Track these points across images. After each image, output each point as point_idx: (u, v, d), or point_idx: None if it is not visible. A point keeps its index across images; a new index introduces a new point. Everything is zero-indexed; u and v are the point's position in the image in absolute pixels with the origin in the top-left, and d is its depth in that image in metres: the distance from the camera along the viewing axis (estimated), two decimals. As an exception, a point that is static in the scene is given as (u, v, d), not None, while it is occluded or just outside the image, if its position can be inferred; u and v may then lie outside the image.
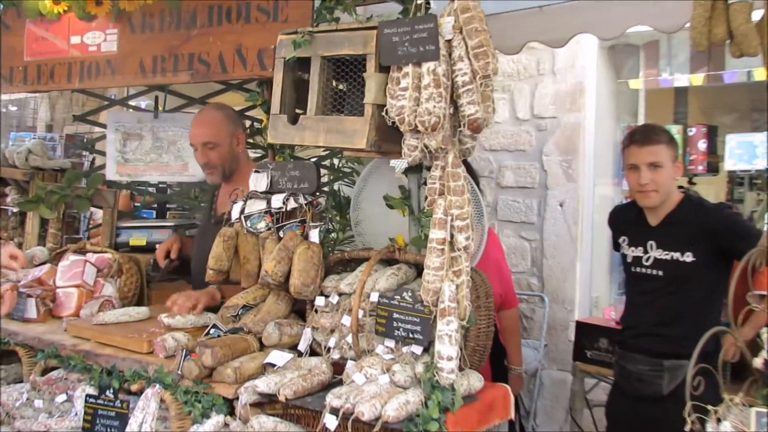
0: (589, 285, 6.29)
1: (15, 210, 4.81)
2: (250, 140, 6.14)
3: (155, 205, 6.09)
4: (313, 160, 5.17)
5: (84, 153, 7.51)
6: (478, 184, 3.94)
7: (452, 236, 2.55)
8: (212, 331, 3.06)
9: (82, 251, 4.16)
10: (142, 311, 3.55)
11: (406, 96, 2.54)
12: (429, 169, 2.73)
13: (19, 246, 4.61)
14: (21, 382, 3.45)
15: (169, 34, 3.77)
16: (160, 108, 5.17)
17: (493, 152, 6.58)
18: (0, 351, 3.53)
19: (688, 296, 3.60)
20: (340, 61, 2.89)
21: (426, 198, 2.68)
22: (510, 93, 6.48)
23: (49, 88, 4.38)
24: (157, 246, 4.12)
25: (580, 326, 5.16)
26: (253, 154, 6.56)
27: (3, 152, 4.85)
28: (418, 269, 2.92)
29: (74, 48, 4.12)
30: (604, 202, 6.21)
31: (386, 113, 2.63)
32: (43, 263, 4.21)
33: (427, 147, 2.57)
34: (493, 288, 2.96)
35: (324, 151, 5.65)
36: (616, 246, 3.99)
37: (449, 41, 2.54)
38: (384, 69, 2.68)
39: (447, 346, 2.48)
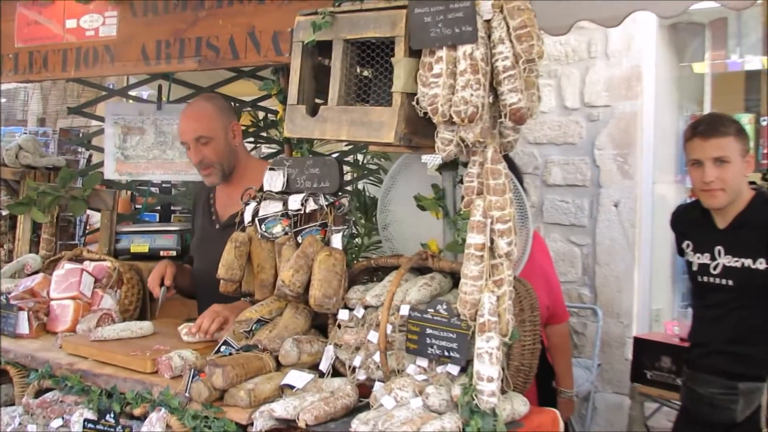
0: (648, 296, 6.25)
1: (4, 213, 4.87)
2: (264, 134, 6.20)
3: (158, 208, 6.13)
4: (335, 155, 5.18)
5: (80, 149, 7.60)
6: (521, 182, 3.92)
7: (492, 241, 2.55)
8: (223, 348, 3.07)
9: (78, 259, 4.20)
10: (146, 326, 3.58)
11: (440, 83, 2.54)
12: (466, 165, 2.73)
13: (9, 253, 4.67)
14: (12, 404, 3.49)
15: (174, 17, 3.80)
16: (164, 99, 5.21)
17: (538, 146, 6.56)
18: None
19: (764, 309, 3.56)
20: (366, 44, 2.90)
21: (462, 198, 2.68)
22: (557, 79, 6.46)
23: (42, 77, 4.42)
24: (151, 272, 3.99)
25: (639, 343, 5.13)
26: (267, 149, 6.61)
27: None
28: (454, 279, 2.92)
29: (70, 33, 4.17)
30: (664, 202, 6.17)
31: (417, 103, 2.63)
32: (36, 272, 4.26)
33: (463, 141, 2.57)
34: (539, 300, 2.95)
35: (346, 145, 5.67)
36: (680, 251, 3.96)
37: (488, 21, 2.54)
38: (415, 53, 2.67)
39: (487, 366, 2.47)
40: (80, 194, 4.49)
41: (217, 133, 3.84)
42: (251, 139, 6.49)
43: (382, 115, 2.71)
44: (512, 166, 3.91)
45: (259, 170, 3.75)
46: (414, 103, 2.64)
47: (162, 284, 3.81)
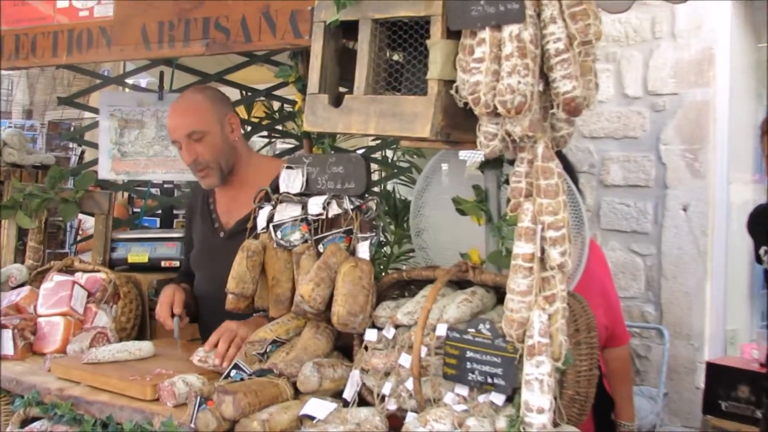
0: (722, 314, 6.20)
1: (-15, 217, 4.92)
2: (280, 127, 6.22)
3: (159, 212, 6.17)
4: (361, 152, 5.20)
5: (71, 145, 7.67)
6: (576, 182, 3.91)
7: (543, 251, 2.53)
8: (233, 373, 3.07)
9: (69, 270, 4.23)
10: (145, 347, 3.59)
11: (482, 69, 2.53)
12: (512, 163, 2.72)
13: (-8, 263, 4.72)
14: (-6, 435, 3.53)
15: (178, -6, 3.83)
16: (166, 87, 5.24)
17: (595, 140, 6.54)
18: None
19: None
20: (397, 25, 2.89)
21: (508, 201, 2.67)
22: (616, 63, 6.43)
23: (30, 63, 4.46)
24: (156, 307, 3.92)
25: (712, 369, 5.09)
26: (283, 144, 6.64)
27: (-29, 145, 4.96)
28: (499, 294, 2.91)
29: (61, 13, 4.21)
30: (741, 205, 6.12)
31: (456, 92, 2.62)
32: (21, 285, 4.29)
33: (509, 135, 2.56)
34: (596, 319, 2.93)
35: (374, 140, 5.68)
36: (758, 258, 3.93)
37: (538, -3, 2.54)
38: (453, 35, 2.67)
39: (537, 395, 2.46)
40: (72, 196, 4.51)
41: (212, 128, 3.82)
42: (264, 133, 6.53)
43: (416, 106, 2.71)
44: (566, 164, 3.88)
45: (264, 168, 3.76)
46: (452, 91, 2.63)
47: (173, 314, 3.79)
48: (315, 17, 3.04)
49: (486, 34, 2.54)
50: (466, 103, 2.60)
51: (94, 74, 5.87)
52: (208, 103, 3.85)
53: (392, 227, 5.48)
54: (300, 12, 3.43)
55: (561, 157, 2.79)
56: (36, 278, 4.34)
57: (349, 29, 2.98)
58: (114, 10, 4.05)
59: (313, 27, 3.05)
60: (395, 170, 5.89)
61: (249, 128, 5.88)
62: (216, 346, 3.39)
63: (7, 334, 3.76)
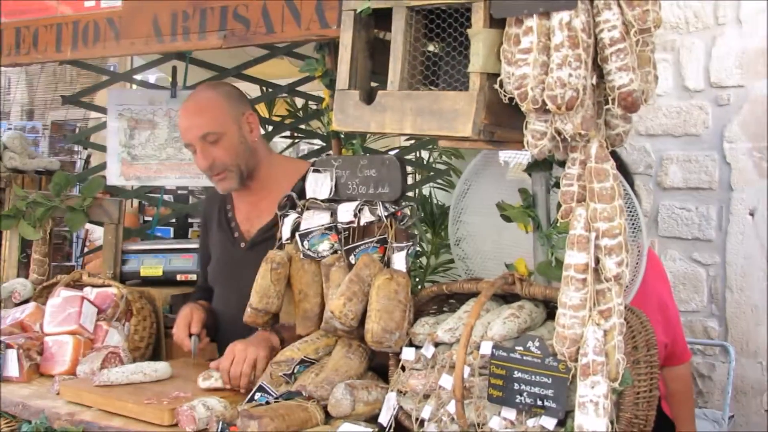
0: (794, 329, 6.16)
1: (-13, 228, 4.97)
2: (305, 126, 6.24)
3: (173, 220, 6.20)
4: (394, 153, 5.20)
5: (76, 148, 7.72)
6: (631, 185, 3.90)
7: (598, 261, 2.54)
8: (258, 395, 3.09)
9: (77, 284, 4.25)
10: (161, 368, 3.61)
11: (530, 61, 2.54)
12: (562, 164, 2.72)
13: (-7, 277, 4.76)
14: (-1, 464, 3.56)
15: (193, -19, 3.86)
16: (179, 83, 5.27)
17: (652, 138, 6.50)
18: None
19: None
20: (434, 13, 2.90)
21: (559, 206, 2.67)
22: (675, 52, 6.40)
23: (32, 59, 4.50)
24: (173, 323, 3.97)
25: (784, 389, 5.05)
26: (307, 145, 6.66)
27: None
28: (548, 309, 2.91)
29: (65, 4, 4.24)
30: (815, 209, 6.07)
31: (501, 86, 2.63)
32: (26, 301, 4.32)
33: (560, 133, 2.56)
34: (655, 335, 2.93)
35: (407, 139, 5.68)
36: None
37: (590, -19, 2.54)
38: (497, 23, 2.67)
39: (592, 418, 2.46)
40: (79, 204, 4.54)
41: (228, 128, 3.83)
42: (287, 133, 6.53)
43: (456, 102, 2.72)
44: (620, 164, 3.87)
45: (287, 170, 3.77)
46: (496, 86, 2.64)
47: (191, 334, 3.81)
48: (344, 5, 3.05)
49: (533, 22, 2.55)
50: (511, 99, 2.60)
51: (101, 70, 5.92)
52: (222, 100, 3.85)
53: (429, 235, 5.48)
54: (327, 0, 3.44)
55: (616, 157, 2.79)
56: (41, 294, 4.36)
57: (381, 18, 2.99)
58: (123, 1, 4.07)
59: (341, 16, 3.07)
60: (431, 173, 5.89)
61: (270, 128, 5.90)
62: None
63: (12, 354, 3.78)
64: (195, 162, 3.90)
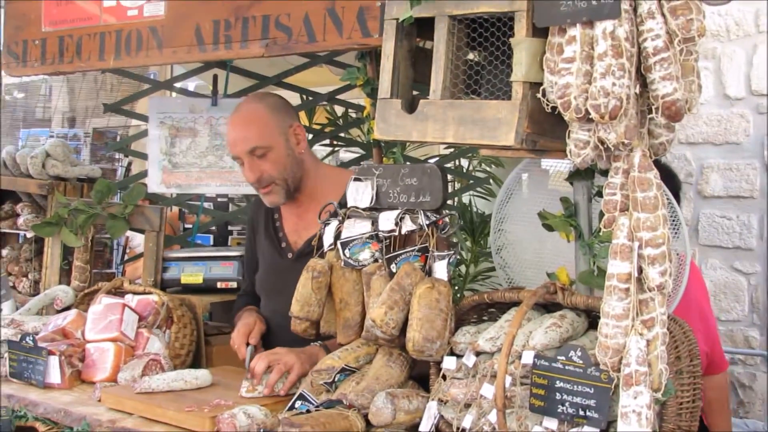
0: (837, 339, 6.11)
1: (29, 235, 5.00)
2: (344, 134, 6.25)
3: (213, 228, 6.22)
4: (433, 161, 5.20)
5: (117, 156, 7.77)
6: (678, 193, 3.88)
7: (641, 270, 2.53)
8: (299, 404, 3.10)
9: (118, 291, 4.28)
10: (202, 375, 3.62)
11: (573, 70, 2.53)
12: (604, 173, 2.71)
13: (35, 284, 4.78)
14: (42, 471, 3.58)
15: (235, -10, 3.88)
16: (220, 92, 5.28)
17: (692, 146, 6.48)
18: (15, 428, 3.65)
19: None
20: (476, 22, 2.90)
21: (601, 215, 2.66)
22: (716, 60, 6.37)
23: (75, 68, 4.54)
24: (233, 331, 3.92)
25: (827, 400, 5.00)
26: (347, 153, 6.66)
27: (12, 156, 5.04)
28: (590, 318, 2.90)
29: (108, 13, 4.27)
30: None
31: (543, 95, 2.62)
32: (68, 308, 4.34)
33: (603, 142, 2.55)
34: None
35: (446, 148, 5.68)
36: None
37: (634, -11, 2.53)
38: (540, 32, 2.67)
39: (635, 428, 2.44)
40: (120, 212, 4.56)
41: (276, 141, 3.83)
42: (326, 142, 6.54)
43: (499, 111, 2.71)
44: (668, 172, 3.86)
45: (334, 181, 3.76)
46: (539, 95, 2.64)
47: (248, 343, 3.78)
48: (386, 14, 3.06)
49: (577, 31, 2.55)
50: (554, 108, 2.60)
51: (142, 78, 5.96)
52: (270, 113, 3.85)
53: (468, 244, 5.47)
54: (369, 8, 3.45)
55: (661, 165, 2.78)
56: (83, 300, 4.39)
57: (423, 27, 3.00)
58: (165, 9, 4.10)
59: (383, 25, 3.07)
60: (471, 181, 5.87)
61: (310, 136, 5.91)
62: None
63: (54, 361, 3.80)
64: (243, 174, 3.92)
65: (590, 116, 2.50)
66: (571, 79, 2.53)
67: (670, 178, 4.22)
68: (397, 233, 3.18)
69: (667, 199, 2.80)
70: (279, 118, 3.85)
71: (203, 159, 5.15)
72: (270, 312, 3.97)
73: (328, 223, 3.39)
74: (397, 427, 2.98)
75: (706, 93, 6.35)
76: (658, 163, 2.66)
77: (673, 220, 3.01)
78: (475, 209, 5.80)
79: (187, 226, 6.88)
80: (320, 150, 7.20)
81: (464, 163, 6.24)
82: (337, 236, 3.31)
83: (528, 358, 2.74)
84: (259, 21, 3.78)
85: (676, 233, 3.03)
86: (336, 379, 3.20)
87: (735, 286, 6.31)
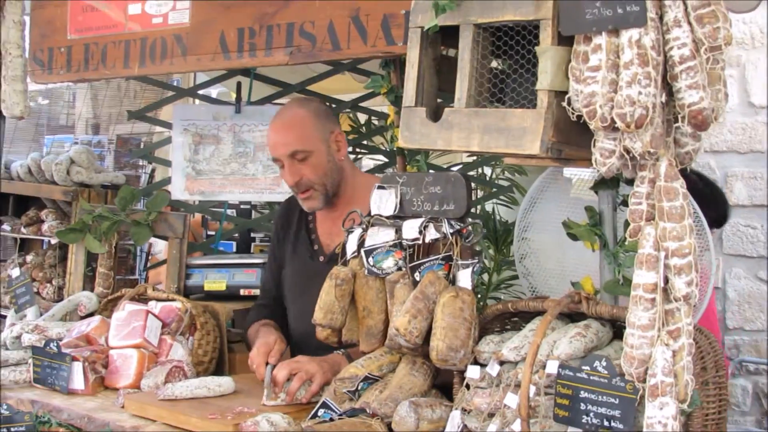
0: None
1: (53, 241, 5.02)
2: (368, 142, 6.25)
3: (236, 235, 6.23)
4: (456, 168, 5.19)
5: (141, 162, 7.79)
6: (724, 204, 3.87)
7: (667, 280, 2.51)
8: (322, 412, 3.09)
9: (141, 298, 4.29)
10: (225, 383, 3.63)
11: (599, 79, 2.52)
12: (629, 183, 2.70)
13: (59, 290, 4.80)
14: (66, 476, 3.59)
15: (260, -2, 3.89)
16: (244, 99, 5.29)
17: (716, 154, 6.45)
18: (38, 434, 3.68)
19: None
20: (502, 30, 2.90)
21: (626, 225, 2.65)
22: (740, 68, 6.34)
23: (101, 75, 4.56)
24: (253, 349, 3.83)
25: None
26: (370, 161, 6.67)
27: (37, 163, 5.06)
28: (615, 328, 2.89)
29: (133, 20, 4.29)
30: None
31: (569, 104, 2.62)
32: (91, 314, 4.36)
33: (628, 151, 2.55)
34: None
35: (469, 156, 5.67)
36: None
37: (660, -1, 2.52)
38: (565, 41, 2.66)
39: (660, 440, 2.44)
40: (144, 218, 4.56)
41: (317, 146, 3.85)
42: (349, 149, 6.55)
43: (524, 120, 2.71)
44: (707, 181, 3.86)
45: (370, 188, 3.76)
46: (564, 103, 2.63)
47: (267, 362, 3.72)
48: (411, 22, 3.06)
49: (602, 39, 2.54)
50: (579, 117, 2.59)
51: (166, 85, 5.98)
52: (313, 119, 3.88)
53: (491, 252, 5.46)
54: (393, 16, 3.45)
55: (696, 173, 2.76)
56: (106, 307, 4.41)
57: (448, 35, 2.99)
58: (190, 17, 4.11)
59: (408, 33, 3.07)
60: (494, 189, 5.87)
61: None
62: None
63: (78, 367, 3.81)
64: (282, 177, 3.96)
65: (616, 125, 2.49)
66: (597, 87, 2.52)
67: (720, 204, 4.24)
68: (421, 241, 3.18)
69: (693, 209, 2.78)
70: (321, 124, 3.88)
71: (226, 166, 5.16)
72: (297, 314, 3.99)
73: (352, 231, 3.39)
74: (421, 437, 2.98)
75: (731, 101, 6.32)
76: (684, 173, 2.64)
77: (699, 230, 2.99)
78: (498, 218, 5.80)
79: (209, 233, 6.89)
80: (351, 159, 7.22)
81: (487, 171, 6.23)
82: (361, 244, 3.31)
83: (552, 367, 2.73)
84: (284, 29, 3.79)
85: (701, 243, 3.01)
86: (359, 387, 3.19)
87: (759, 296, 6.27)
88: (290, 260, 4.14)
